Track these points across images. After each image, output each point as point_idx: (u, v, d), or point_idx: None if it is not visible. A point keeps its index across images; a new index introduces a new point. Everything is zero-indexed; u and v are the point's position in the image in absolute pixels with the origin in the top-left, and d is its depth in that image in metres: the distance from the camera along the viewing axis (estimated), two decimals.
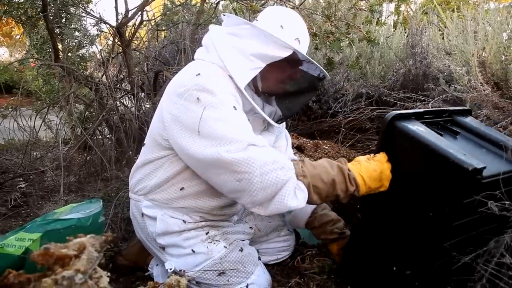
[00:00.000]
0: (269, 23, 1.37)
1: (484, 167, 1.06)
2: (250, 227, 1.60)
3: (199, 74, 1.27)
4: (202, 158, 1.20)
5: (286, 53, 1.31)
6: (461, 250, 1.11)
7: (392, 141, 1.27)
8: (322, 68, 1.44)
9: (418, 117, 1.30)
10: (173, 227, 1.41)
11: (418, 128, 1.21)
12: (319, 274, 1.60)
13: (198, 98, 1.22)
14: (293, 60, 1.37)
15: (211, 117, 1.20)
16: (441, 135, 1.25)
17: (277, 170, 1.16)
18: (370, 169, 1.25)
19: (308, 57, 1.39)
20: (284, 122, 1.60)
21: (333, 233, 1.59)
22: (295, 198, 1.18)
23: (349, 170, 1.24)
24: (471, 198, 1.06)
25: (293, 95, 1.48)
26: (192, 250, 1.39)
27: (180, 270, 1.37)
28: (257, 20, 1.41)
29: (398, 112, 1.26)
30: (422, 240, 1.20)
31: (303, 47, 1.41)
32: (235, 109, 1.24)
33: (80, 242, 0.73)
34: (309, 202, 1.22)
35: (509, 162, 1.23)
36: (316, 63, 1.42)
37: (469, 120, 1.43)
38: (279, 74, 1.41)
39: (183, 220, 1.42)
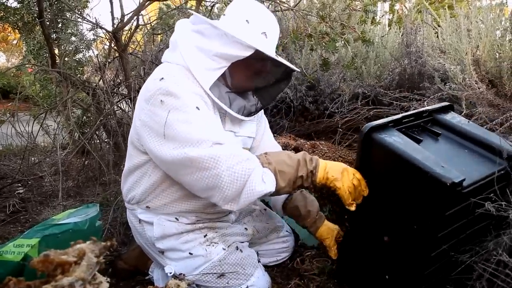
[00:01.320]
0: (235, 18, 1.37)
1: (463, 180, 1.06)
2: (246, 228, 1.60)
3: (162, 78, 1.29)
4: (171, 160, 1.23)
5: (247, 52, 1.30)
6: (449, 256, 1.12)
7: (370, 154, 1.25)
8: (288, 63, 1.43)
9: (396, 123, 1.29)
10: (171, 230, 1.42)
11: (395, 140, 1.20)
12: (319, 275, 1.61)
13: (162, 101, 1.25)
14: (259, 57, 1.35)
15: (176, 120, 1.23)
16: (420, 141, 1.25)
17: (242, 162, 1.20)
18: (337, 163, 1.30)
19: (272, 53, 1.37)
20: (262, 110, 1.61)
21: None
22: (263, 183, 1.21)
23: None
24: (452, 210, 1.07)
25: (264, 88, 1.50)
26: (191, 253, 1.40)
27: (180, 274, 1.38)
28: (224, 14, 1.41)
29: (374, 123, 1.24)
30: (409, 250, 1.21)
31: (270, 41, 1.39)
32: (198, 109, 1.25)
33: (79, 248, 0.74)
34: (277, 189, 1.25)
35: (492, 161, 1.22)
36: (281, 60, 1.39)
37: (450, 118, 1.42)
38: (246, 71, 1.41)
39: (180, 222, 1.43)
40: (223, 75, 1.37)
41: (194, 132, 1.21)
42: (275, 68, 1.46)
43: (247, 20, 1.36)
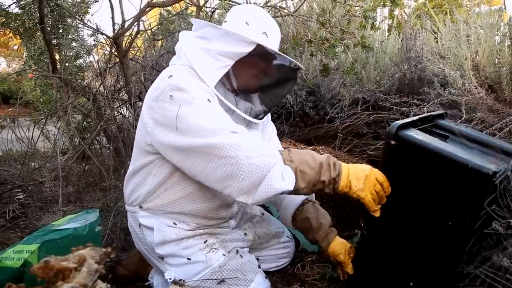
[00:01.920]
0: (235, 21, 1.41)
1: (499, 170, 1.06)
2: (246, 234, 1.59)
3: (171, 76, 1.31)
4: (189, 149, 1.21)
5: (250, 48, 1.32)
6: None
7: (399, 153, 1.22)
8: (293, 60, 1.46)
9: (413, 125, 1.29)
10: (171, 235, 1.41)
11: (424, 137, 1.20)
12: (320, 281, 1.60)
13: (171, 96, 1.26)
14: (263, 55, 1.39)
15: (188, 113, 1.23)
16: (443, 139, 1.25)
17: (263, 155, 1.17)
18: (358, 167, 1.25)
19: (276, 50, 1.40)
20: (268, 116, 1.61)
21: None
22: (283, 180, 1.16)
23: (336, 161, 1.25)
24: (488, 201, 1.06)
25: (270, 88, 1.50)
26: (191, 259, 1.39)
27: (180, 280, 1.37)
28: (226, 21, 1.45)
29: (401, 122, 1.23)
30: (442, 249, 1.18)
31: (271, 40, 1.41)
32: (209, 101, 1.27)
33: (80, 254, 0.74)
34: (296, 188, 1.20)
35: (498, 158, 1.23)
36: (285, 56, 1.43)
37: (448, 123, 1.43)
38: (251, 70, 1.43)
39: (180, 228, 1.42)
40: (228, 78, 1.40)
41: (209, 122, 1.20)
42: (279, 66, 1.48)
43: (246, 22, 1.39)
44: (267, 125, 1.67)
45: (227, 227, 1.55)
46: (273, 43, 1.42)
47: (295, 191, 1.21)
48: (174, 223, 1.43)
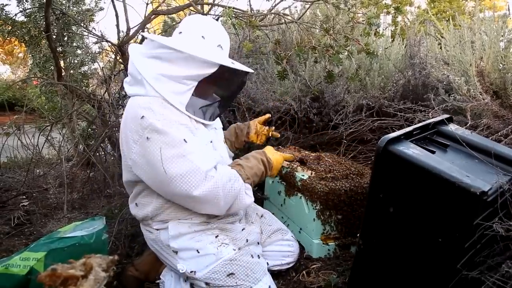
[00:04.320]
0: (191, 35, 1.45)
1: (490, 189, 1.05)
2: (252, 228, 1.64)
3: (143, 116, 1.33)
4: (172, 196, 1.39)
5: (213, 69, 1.39)
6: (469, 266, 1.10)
7: (388, 167, 1.23)
8: (245, 68, 1.52)
9: (407, 136, 1.28)
10: (184, 228, 1.48)
11: (413, 152, 1.19)
12: None
13: (148, 138, 1.31)
14: (222, 70, 1.42)
15: (168, 156, 1.30)
16: (433, 152, 1.23)
17: (233, 184, 1.41)
18: (278, 160, 1.64)
19: (229, 61, 1.45)
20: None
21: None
22: (248, 196, 1.48)
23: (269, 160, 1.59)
24: (478, 219, 1.05)
25: (227, 95, 1.61)
26: (203, 251, 1.45)
27: (192, 271, 1.43)
28: (180, 32, 1.48)
29: (390, 136, 1.23)
30: (432, 264, 1.18)
31: (225, 52, 1.52)
32: (186, 141, 1.33)
33: (87, 262, 0.74)
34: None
35: (505, 171, 1.22)
36: (239, 67, 1.47)
37: (453, 129, 1.42)
38: (210, 84, 1.48)
39: (193, 222, 1.49)
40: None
41: (188, 166, 1.31)
42: (233, 75, 1.53)
43: (202, 36, 1.45)
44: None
45: (236, 222, 1.61)
46: (226, 53, 1.53)
47: None
48: (187, 219, 1.49)
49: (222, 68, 1.40)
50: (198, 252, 1.45)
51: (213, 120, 1.55)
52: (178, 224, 1.48)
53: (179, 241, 1.47)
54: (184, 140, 1.33)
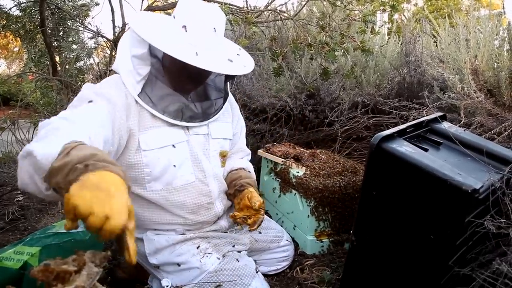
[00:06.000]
0: (171, 16, 1.37)
1: (482, 186, 1.07)
2: (238, 239, 1.56)
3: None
4: None
5: (146, 49, 1.29)
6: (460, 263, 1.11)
7: (381, 165, 1.24)
8: (188, 57, 1.26)
9: (401, 134, 1.29)
10: (161, 243, 1.41)
11: (407, 150, 1.20)
12: (319, 284, 1.61)
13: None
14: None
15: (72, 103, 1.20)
16: (426, 150, 1.25)
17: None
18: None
19: (179, 49, 1.25)
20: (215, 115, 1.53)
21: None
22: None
23: None
24: (470, 217, 1.06)
25: (193, 81, 1.42)
26: (186, 265, 1.40)
27: (177, 286, 1.38)
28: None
29: (383, 134, 1.23)
30: (424, 261, 1.19)
31: (190, 34, 1.29)
32: (89, 103, 1.18)
33: (79, 257, 0.74)
34: None
35: (497, 169, 1.23)
36: (177, 53, 1.24)
37: (446, 127, 1.43)
38: (178, 71, 1.36)
39: (169, 234, 1.42)
40: (165, 82, 1.36)
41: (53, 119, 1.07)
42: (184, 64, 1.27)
43: (174, 16, 1.35)
44: (239, 121, 1.74)
45: (218, 230, 1.54)
46: (194, 35, 1.30)
47: None
48: (162, 230, 1.43)
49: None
50: (181, 267, 1.40)
51: (183, 120, 1.38)
52: (155, 238, 1.41)
53: (158, 257, 1.42)
54: (90, 101, 1.18)
